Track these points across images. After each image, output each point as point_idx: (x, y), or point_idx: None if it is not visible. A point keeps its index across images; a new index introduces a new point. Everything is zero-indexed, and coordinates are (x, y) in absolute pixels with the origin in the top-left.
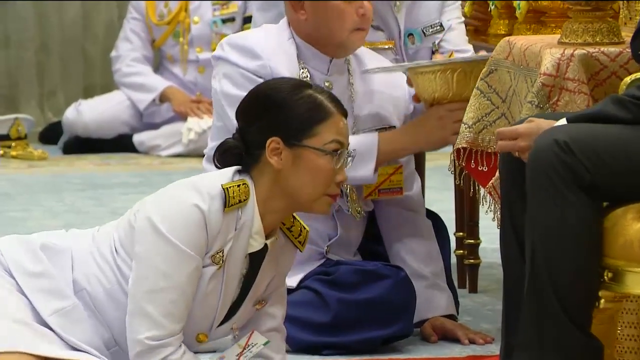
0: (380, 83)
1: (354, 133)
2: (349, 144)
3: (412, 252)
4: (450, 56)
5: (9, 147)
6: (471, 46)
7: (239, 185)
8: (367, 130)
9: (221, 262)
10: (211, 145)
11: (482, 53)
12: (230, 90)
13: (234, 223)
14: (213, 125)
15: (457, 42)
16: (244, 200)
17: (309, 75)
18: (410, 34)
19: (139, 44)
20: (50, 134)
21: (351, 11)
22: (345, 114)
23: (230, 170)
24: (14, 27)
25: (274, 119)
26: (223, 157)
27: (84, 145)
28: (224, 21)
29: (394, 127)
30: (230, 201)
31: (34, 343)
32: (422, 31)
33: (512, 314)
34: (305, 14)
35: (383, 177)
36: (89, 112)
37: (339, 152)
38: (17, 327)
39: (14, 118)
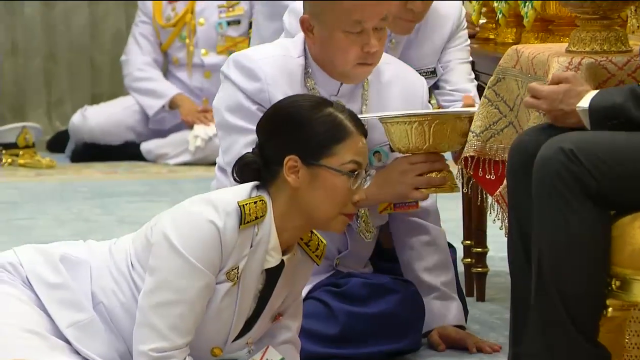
0: (396, 97)
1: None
2: (367, 164)
3: (424, 261)
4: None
5: (17, 155)
6: (474, 84)
7: (255, 202)
8: (381, 146)
9: (236, 278)
10: (221, 153)
11: (467, 103)
12: (222, 111)
13: (249, 239)
14: None
15: (455, 81)
16: (261, 216)
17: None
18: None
19: (149, 47)
20: (58, 142)
21: (356, 46)
22: (365, 134)
23: (248, 186)
24: (22, 36)
25: (293, 136)
26: (241, 171)
27: (92, 153)
28: (229, 23)
29: None
30: (245, 218)
31: (45, 354)
32: None
33: (520, 323)
34: (314, 38)
35: None
36: (95, 117)
37: (356, 172)
38: (29, 337)
39: (22, 126)
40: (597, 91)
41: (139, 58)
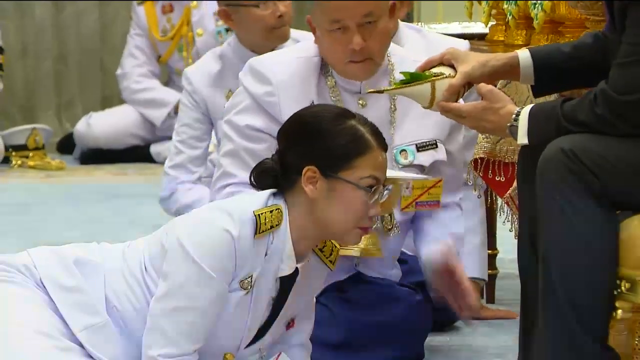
0: None
1: (394, 148)
2: (386, 179)
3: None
4: None
5: (27, 157)
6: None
7: (271, 211)
8: (406, 145)
9: (249, 287)
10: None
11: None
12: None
13: (264, 248)
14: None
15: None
16: (276, 225)
17: (339, 98)
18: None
19: (144, 59)
20: (68, 144)
21: (341, 44)
22: (385, 148)
23: (265, 194)
24: (32, 37)
25: (313, 147)
26: (259, 177)
27: (101, 155)
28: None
29: (435, 141)
30: (261, 227)
31: (57, 356)
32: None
33: (529, 326)
34: (316, 37)
35: (421, 191)
36: (99, 125)
37: (374, 187)
38: (41, 339)
39: (32, 128)
40: (524, 114)
41: (135, 70)
